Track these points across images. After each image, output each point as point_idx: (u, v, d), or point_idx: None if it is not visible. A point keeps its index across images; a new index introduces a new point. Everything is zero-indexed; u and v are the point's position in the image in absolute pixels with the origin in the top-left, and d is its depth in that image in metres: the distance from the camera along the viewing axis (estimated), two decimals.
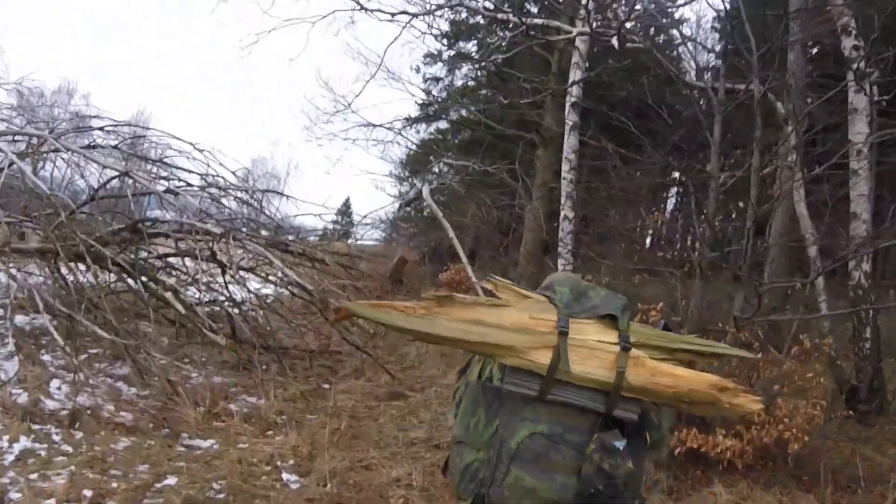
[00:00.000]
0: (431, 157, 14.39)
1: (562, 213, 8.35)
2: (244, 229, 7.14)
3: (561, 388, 1.63)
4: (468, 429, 1.74)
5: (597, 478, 1.59)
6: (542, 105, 10.82)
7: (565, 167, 8.40)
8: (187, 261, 7.67)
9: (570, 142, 8.39)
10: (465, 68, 19.16)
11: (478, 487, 1.69)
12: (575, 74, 8.48)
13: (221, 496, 4.11)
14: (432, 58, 17.61)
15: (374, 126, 10.29)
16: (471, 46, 21.83)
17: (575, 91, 8.46)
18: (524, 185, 9.92)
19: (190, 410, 5.53)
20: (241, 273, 7.18)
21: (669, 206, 22.96)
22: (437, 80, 22.11)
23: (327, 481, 4.48)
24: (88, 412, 5.19)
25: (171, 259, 7.59)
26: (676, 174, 13.25)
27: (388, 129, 10.40)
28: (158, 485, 4.21)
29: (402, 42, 24.62)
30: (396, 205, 11.45)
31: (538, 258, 10.32)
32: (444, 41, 20.77)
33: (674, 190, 20.88)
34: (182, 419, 5.46)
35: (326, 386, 7.02)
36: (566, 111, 8.51)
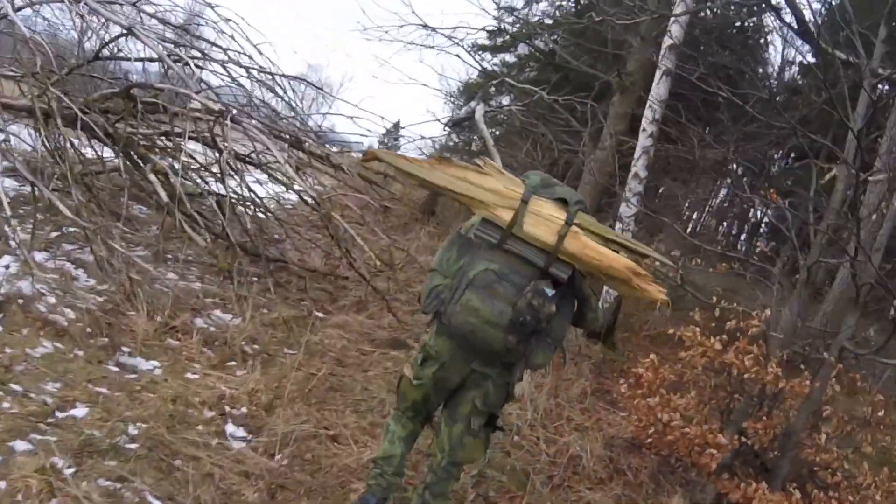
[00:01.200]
0: (492, 88, 12.98)
1: (632, 170, 7.04)
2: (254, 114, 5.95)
3: (515, 241, 2.25)
4: (442, 261, 2.39)
5: (526, 310, 2.14)
6: (626, 45, 9.32)
7: (647, 118, 7.02)
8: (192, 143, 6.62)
9: (658, 89, 6.99)
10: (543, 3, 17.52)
11: (439, 305, 2.30)
12: (679, 5, 6.98)
13: (132, 446, 3.12)
14: None
15: (433, 30, 8.81)
16: None
17: (675, 31, 6.98)
18: (593, 131, 8.49)
19: (141, 319, 4.55)
20: (240, 165, 6.05)
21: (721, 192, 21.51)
22: (511, 10, 20.36)
23: (277, 449, 3.48)
24: (20, 301, 4.22)
25: (175, 138, 6.49)
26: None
27: (449, 38, 8.89)
28: (60, 414, 3.24)
29: None
30: (445, 128, 9.91)
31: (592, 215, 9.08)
32: None
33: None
34: (129, 329, 4.49)
35: (320, 315, 6.00)
36: (660, 53, 7.05)
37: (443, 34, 8.75)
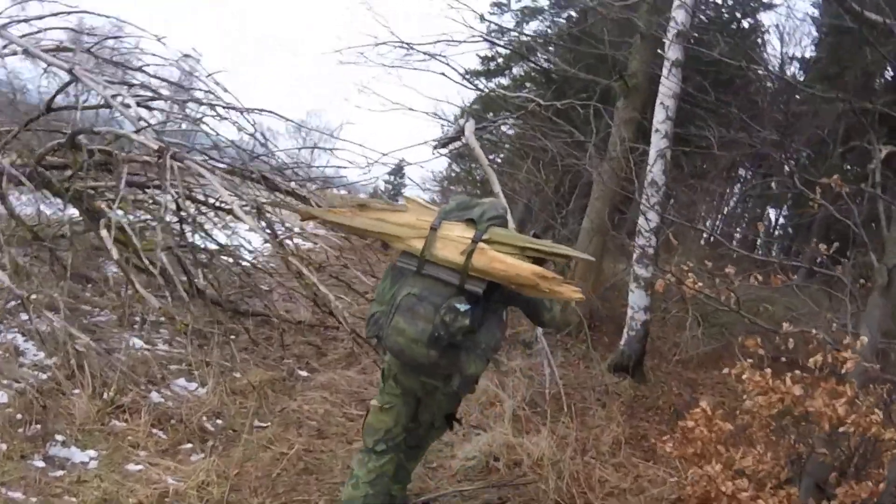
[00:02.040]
0: (490, 114, 12.31)
1: (648, 177, 6.25)
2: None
3: (430, 266, 2.42)
4: (379, 291, 2.58)
5: (439, 325, 2.31)
6: (626, 46, 8.63)
7: (659, 117, 6.27)
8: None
9: (668, 83, 6.23)
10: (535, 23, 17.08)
11: (378, 330, 2.53)
12: None
13: None
14: (500, 7, 15.67)
15: (410, 47, 8.04)
16: None
17: (680, 16, 6.26)
18: (598, 141, 7.73)
19: (83, 399, 3.82)
20: (208, 210, 5.36)
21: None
22: (502, 30, 19.92)
23: None
24: None
25: (132, 187, 5.82)
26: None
27: (428, 54, 8.11)
28: None
29: None
30: (434, 151, 9.02)
31: (604, 233, 8.26)
32: None
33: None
34: (67, 412, 3.75)
35: (304, 374, 5.23)
36: (667, 44, 6.32)
37: (421, 51, 8.01)
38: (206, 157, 5.13)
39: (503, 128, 11.33)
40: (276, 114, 6.89)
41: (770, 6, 17.27)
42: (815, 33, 19.87)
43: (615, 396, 5.87)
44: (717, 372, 8.49)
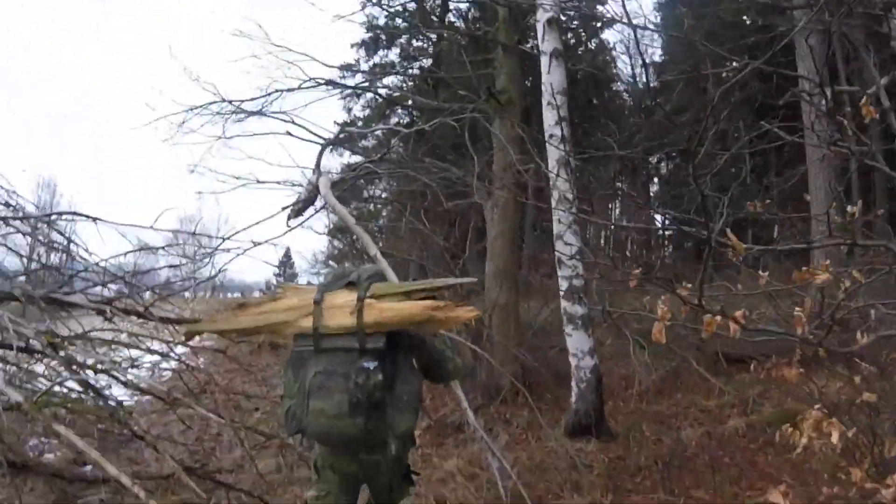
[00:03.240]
0: (360, 181, 10.98)
1: (553, 194, 5.14)
2: None
3: (328, 339, 2.33)
4: (287, 385, 2.43)
5: (356, 390, 2.22)
6: (488, 63, 7.73)
7: (549, 119, 5.21)
8: None
9: (552, 77, 5.23)
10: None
11: (297, 423, 2.36)
12: None
13: None
14: (348, 69, 14.74)
15: (232, 104, 6.51)
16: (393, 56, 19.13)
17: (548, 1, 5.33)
18: (479, 168, 6.60)
19: None
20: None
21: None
22: (356, 95, 19.10)
23: None
24: None
25: None
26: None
27: (268, 114, 6.59)
28: None
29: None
30: (287, 223, 7.08)
31: (513, 274, 7.10)
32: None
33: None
34: None
35: None
36: (540, 33, 5.33)
37: (248, 110, 6.56)
38: None
39: (374, 188, 10.02)
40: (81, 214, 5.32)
41: (612, 22, 17.64)
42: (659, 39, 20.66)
43: (587, 470, 4.56)
44: (684, 396, 7.55)
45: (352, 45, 17.32)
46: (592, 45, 20.47)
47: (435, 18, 17.12)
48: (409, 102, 9.27)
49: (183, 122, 6.37)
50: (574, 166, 5.20)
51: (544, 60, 5.27)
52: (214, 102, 6.34)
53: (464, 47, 8.10)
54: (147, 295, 5.70)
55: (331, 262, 23.09)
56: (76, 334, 4.47)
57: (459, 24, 14.33)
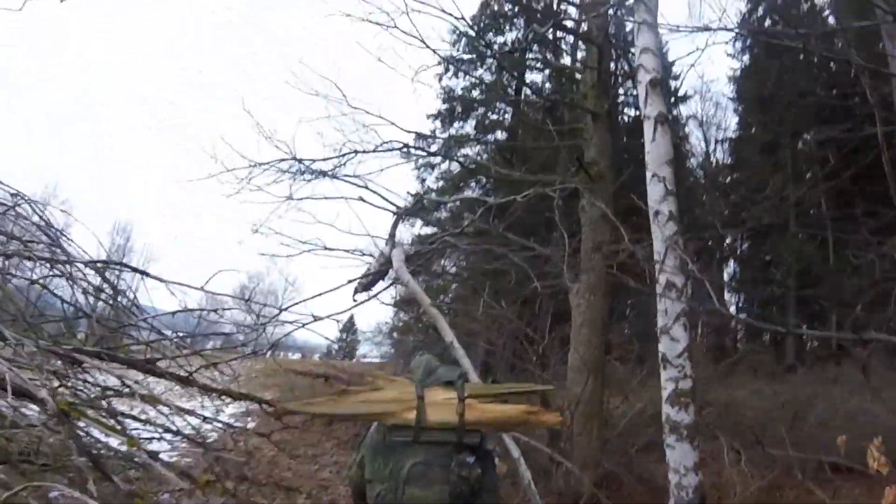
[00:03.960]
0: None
1: (660, 283, 4.39)
2: None
3: (426, 433, 2.44)
4: (373, 471, 2.53)
5: (458, 482, 2.37)
6: (577, 134, 7.18)
7: (655, 195, 4.51)
8: None
9: (659, 146, 4.56)
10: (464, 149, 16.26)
11: None
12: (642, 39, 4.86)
13: None
14: (424, 139, 14.64)
15: (302, 163, 6.15)
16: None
17: (650, 63, 4.73)
18: (569, 255, 5.92)
19: None
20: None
21: None
22: (430, 166, 18.97)
23: None
24: None
25: None
26: None
27: (330, 174, 6.19)
28: None
29: None
30: (354, 298, 6.43)
31: (598, 367, 6.27)
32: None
33: None
34: None
35: None
36: (642, 95, 4.72)
37: (319, 170, 6.17)
38: None
39: (445, 261, 9.46)
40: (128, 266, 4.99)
41: (685, 98, 17.24)
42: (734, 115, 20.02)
43: None
44: None
45: (428, 116, 17.35)
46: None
47: (511, 91, 17.01)
48: (491, 171, 8.73)
49: (250, 179, 6.02)
50: (681, 247, 4.43)
51: (648, 127, 4.63)
52: (284, 160, 6.02)
53: (543, 119, 7.58)
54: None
55: (394, 335, 22.52)
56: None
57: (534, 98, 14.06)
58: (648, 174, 4.58)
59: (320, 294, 4.70)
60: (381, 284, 4.40)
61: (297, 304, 4.49)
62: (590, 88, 7.01)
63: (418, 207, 9.75)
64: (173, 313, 5.62)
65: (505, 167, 8.35)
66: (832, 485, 6.32)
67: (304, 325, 4.41)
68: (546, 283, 6.67)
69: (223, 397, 5.49)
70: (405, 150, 6.61)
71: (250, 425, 7.25)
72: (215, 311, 4.41)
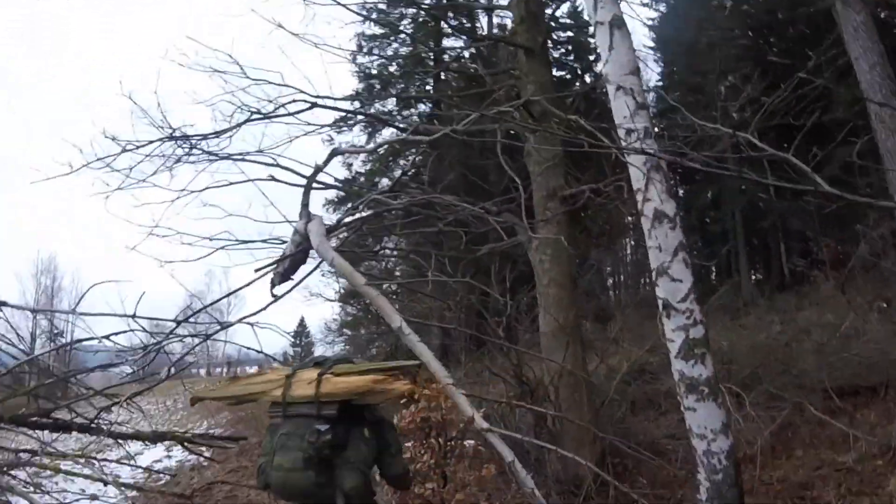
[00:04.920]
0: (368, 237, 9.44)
1: (646, 215, 3.62)
2: None
3: (293, 407, 2.85)
4: (263, 446, 2.94)
5: (308, 447, 2.69)
6: (512, 76, 6.37)
7: (622, 109, 3.75)
8: None
9: (619, 54, 3.76)
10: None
11: (265, 478, 2.85)
12: None
13: None
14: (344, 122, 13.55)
15: (189, 141, 5.04)
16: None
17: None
18: (521, 202, 5.10)
19: None
20: None
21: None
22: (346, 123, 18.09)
23: None
24: None
25: None
26: None
27: (232, 156, 5.15)
28: None
29: None
30: (272, 291, 5.26)
31: (576, 329, 5.52)
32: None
33: None
34: None
35: None
36: (590, 1, 3.94)
37: (209, 151, 5.10)
38: None
39: (386, 240, 8.53)
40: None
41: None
42: None
43: None
44: (805, 452, 5.84)
45: (344, 98, 16.34)
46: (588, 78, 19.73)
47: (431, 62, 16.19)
48: (419, 129, 7.85)
49: (131, 169, 4.91)
50: (665, 169, 3.67)
51: (602, 34, 3.81)
52: (162, 139, 4.94)
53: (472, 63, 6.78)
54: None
55: (345, 331, 21.48)
56: None
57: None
58: (611, 88, 3.78)
59: (225, 296, 3.99)
60: (303, 270, 3.44)
61: (196, 313, 3.54)
62: (518, 23, 6.21)
63: (332, 160, 8.73)
64: (88, 371, 4.74)
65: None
66: (845, 413, 5.79)
67: (208, 336, 3.52)
68: (499, 245, 5.84)
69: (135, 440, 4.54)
70: (312, 108, 5.60)
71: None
72: (95, 339, 3.40)
